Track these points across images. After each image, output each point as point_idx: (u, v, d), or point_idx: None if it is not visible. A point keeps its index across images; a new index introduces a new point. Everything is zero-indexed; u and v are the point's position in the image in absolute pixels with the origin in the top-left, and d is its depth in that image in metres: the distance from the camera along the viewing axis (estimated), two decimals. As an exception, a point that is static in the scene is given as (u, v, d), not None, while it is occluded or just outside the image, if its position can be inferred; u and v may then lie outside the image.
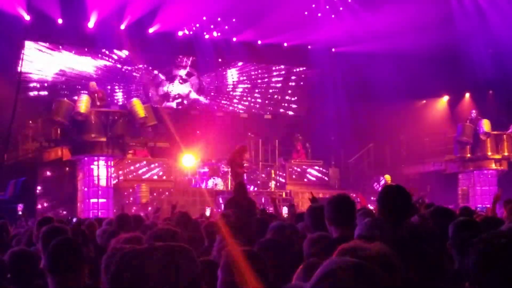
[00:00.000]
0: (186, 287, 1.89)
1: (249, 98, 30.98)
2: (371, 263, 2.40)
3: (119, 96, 27.75)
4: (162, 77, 28.83)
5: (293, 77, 31.65)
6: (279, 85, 31.48)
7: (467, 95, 28.59)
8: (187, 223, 7.48)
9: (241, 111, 30.85)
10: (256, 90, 31.12)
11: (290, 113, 31.72)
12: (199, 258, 4.42)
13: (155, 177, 22.27)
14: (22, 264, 4.75)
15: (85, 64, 26.83)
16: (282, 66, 31.27)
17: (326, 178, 25.31)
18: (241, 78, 30.72)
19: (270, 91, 31.37)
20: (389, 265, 2.53)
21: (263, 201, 21.97)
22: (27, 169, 20.94)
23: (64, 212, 20.76)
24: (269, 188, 24.07)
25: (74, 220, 11.31)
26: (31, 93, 25.69)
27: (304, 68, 31.52)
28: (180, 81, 29.21)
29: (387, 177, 22.68)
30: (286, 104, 31.71)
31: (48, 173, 21.62)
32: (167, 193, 21.74)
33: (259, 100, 31.22)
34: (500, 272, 2.34)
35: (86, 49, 26.94)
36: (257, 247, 4.19)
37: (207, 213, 17.37)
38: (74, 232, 6.41)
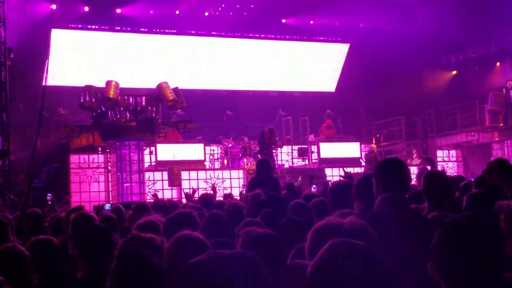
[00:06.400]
0: None
1: (277, 76, 30.83)
2: (345, 236, 2.45)
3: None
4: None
5: (321, 53, 31.40)
6: (307, 61, 31.24)
7: (498, 64, 28.16)
8: (209, 204, 7.55)
9: (270, 90, 30.72)
10: (284, 68, 30.94)
11: (320, 89, 31.53)
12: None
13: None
14: (42, 252, 4.84)
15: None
16: (309, 43, 31.03)
17: (358, 153, 25.07)
18: (269, 56, 30.52)
19: (299, 67, 31.16)
20: (364, 236, 2.59)
21: (299, 179, 21.95)
22: (59, 156, 21.09)
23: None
24: (302, 166, 23.93)
25: (107, 206, 11.35)
26: (59, 80, 25.85)
27: (332, 44, 31.30)
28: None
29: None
30: (315, 80, 31.53)
31: (80, 159, 21.66)
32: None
33: (288, 78, 31.08)
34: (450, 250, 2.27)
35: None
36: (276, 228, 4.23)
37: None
38: (103, 218, 6.46)
